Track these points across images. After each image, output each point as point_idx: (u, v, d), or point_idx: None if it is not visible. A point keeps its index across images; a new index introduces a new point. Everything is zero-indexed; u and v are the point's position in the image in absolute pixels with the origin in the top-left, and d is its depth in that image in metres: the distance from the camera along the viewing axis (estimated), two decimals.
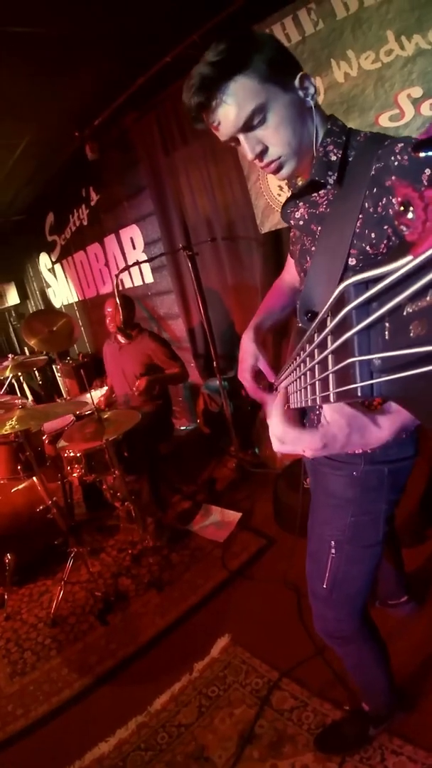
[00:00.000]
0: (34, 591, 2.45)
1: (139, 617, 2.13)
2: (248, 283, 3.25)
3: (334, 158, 0.84)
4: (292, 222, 0.97)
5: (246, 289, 3.29)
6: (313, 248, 0.93)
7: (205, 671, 1.78)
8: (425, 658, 1.58)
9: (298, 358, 0.52)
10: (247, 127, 0.83)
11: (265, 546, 2.42)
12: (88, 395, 3.63)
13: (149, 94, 2.93)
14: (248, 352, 1.17)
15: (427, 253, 0.20)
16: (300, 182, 0.97)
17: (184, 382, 3.20)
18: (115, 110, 3.06)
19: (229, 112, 0.82)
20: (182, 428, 4.15)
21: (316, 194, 0.90)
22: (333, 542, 1.08)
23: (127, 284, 4.27)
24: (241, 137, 0.85)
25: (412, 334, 0.23)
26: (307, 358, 0.44)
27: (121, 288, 4.32)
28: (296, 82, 0.84)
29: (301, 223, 0.94)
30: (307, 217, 0.93)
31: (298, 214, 0.95)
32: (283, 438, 0.58)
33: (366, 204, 0.77)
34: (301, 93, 0.85)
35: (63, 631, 2.12)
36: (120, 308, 2.78)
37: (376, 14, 1.86)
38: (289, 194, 0.98)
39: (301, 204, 0.93)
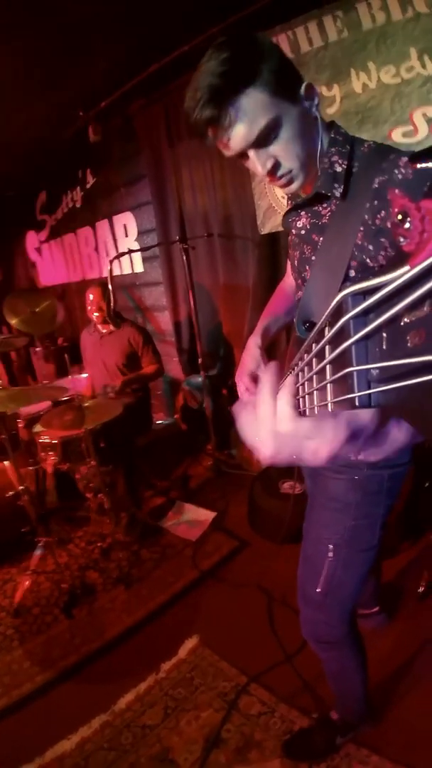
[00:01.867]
0: None
1: (105, 613, 2.08)
2: (240, 283, 3.23)
3: (339, 169, 0.83)
4: (293, 231, 0.96)
5: (237, 289, 3.28)
6: (313, 257, 0.92)
7: (172, 672, 1.75)
8: (392, 670, 1.61)
9: (296, 367, 0.51)
10: (259, 142, 0.80)
11: (238, 548, 2.41)
12: (70, 381, 3.56)
13: (160, 82, 2.88)
14: (253, 356, 1.16)
15: (424, 264, 0.21)
16: (302, 194, 0.94)
17: (160, 377, 3.16)
18: (124, 94, 2.99)
19: (240, 128, 0.78)
20: (159, 422, 4.10)
21: (319, 205, 0.89)
22: (331, 545, 1.08)
23: (116, 272, 4.18)
24: (251, 153, 0.82)
25: (409, 344, 0.24)
26: (305, 368, 0.44)
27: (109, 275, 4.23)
28: (302, 92, 0.82)
29: (302, 232, 0.94)
30: (309, 227, 0.92)
31: (300, 224, 0.94)
32: (294, 431, 0.45)
33: (366, 216, 0.77)
34: (306, 103, 0.83)
35: (26, 622, 2.05)
36: (105, 296, 2.73)
37: (402, 30, 1.88)
38: (288, 202, 0.97)
39: (303, 213, 0.93)
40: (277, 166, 0.83)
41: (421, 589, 1.84)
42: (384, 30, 1.93)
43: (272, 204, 2.68)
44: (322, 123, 0.86)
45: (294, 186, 0.87)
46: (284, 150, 0.81)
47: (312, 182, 0.89)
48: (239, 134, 0.79)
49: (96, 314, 2.84)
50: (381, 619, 1.76)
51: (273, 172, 0.84)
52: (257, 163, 0.83)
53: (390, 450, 0.48)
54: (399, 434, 0.48)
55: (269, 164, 0.83)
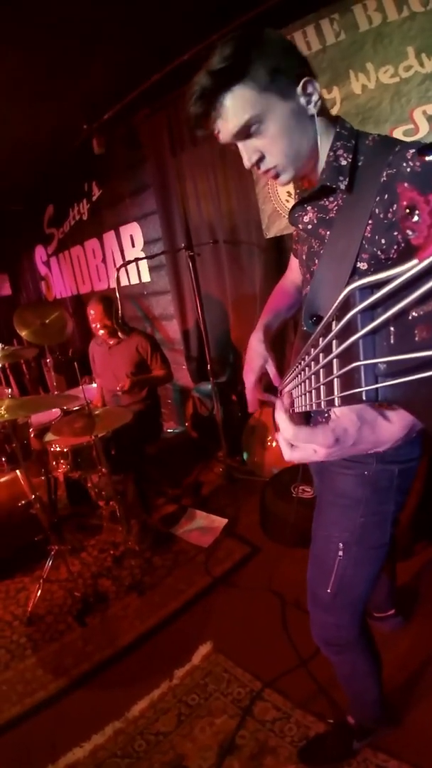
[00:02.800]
0: (11, 587, 2.37)
1: (118, 620, 2.07)
2: (247, 288, 3.25)
3: (344, 163, 0.84)
4: (300, 226, 0.96)
5: (244, 295, 3.29)
6: (322, 251, 0.92)
7: (185, 678, 1.73)
8: (410, 673, 1.57)
9: (302, 361, 0.52)
10: (243, 136, 0.84)
11: (250, 554, 2.39)
12: (80, 390, 3.59)
13: (162, 92, 2.93)
14: (257, 352, 1.15)
15: None
16: (305, 187, 0.96)
17: (169, 383, 3.16)
18: (126, 105, 3.04)
19: (224, 122, 0.83)
20: (169, 431, 4.11)
21: (325, 199, 0.89)
22: (341, 544, 1.07)
23: (123, 282, 4.23)
24: (239, 145, 0.86)
25: (417, 339, 0.23)
26: (312, 362, 0.44)
27: (117, 286, 4.28)
28: (299, 89, 0.83)
29: (309, 227, 0.93)
30: (316, 222, 0.92)
31: (306, 218, 0.94)
32: (295, 438, 0.55)
33: (377, 210, 0.77)
34: (303, 100, 0.83)
35: (39, 630, 2.05)
36: (107, 310, 2.76)
37: (399, 30, 1.89)
38: (295, 197, 0.98)
39: (309, 208, 0.93)
40: (261, 159, 0.86)
41: None
42: (380, 30, 1.94)
43: (276, 208, 2.69)
44: (324, 118, 0.86)
45: (282, 179, 0.89)
46: (269, 145, 0.84)
47: (313, 175, 0.90)
48: (225, 127, 0.84)
49: (102, 331, 2.86)
50: (397, 622, 1.72)
51: (258, 164, 0.87)
52: (244, 155, 0.87)
53: (388, 444, 0.55)
54: (391, 428, 0.54)
55: (254, 157, 0.86)
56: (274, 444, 3.10)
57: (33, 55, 2.36)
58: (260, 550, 2.40)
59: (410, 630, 1.72)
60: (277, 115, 0.82)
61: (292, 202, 2.56)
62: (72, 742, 1.53)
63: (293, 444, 0.56)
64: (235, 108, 0.81)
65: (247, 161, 0.87)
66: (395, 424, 0.54)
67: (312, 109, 0.84)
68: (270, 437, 3.11)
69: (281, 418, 0.56)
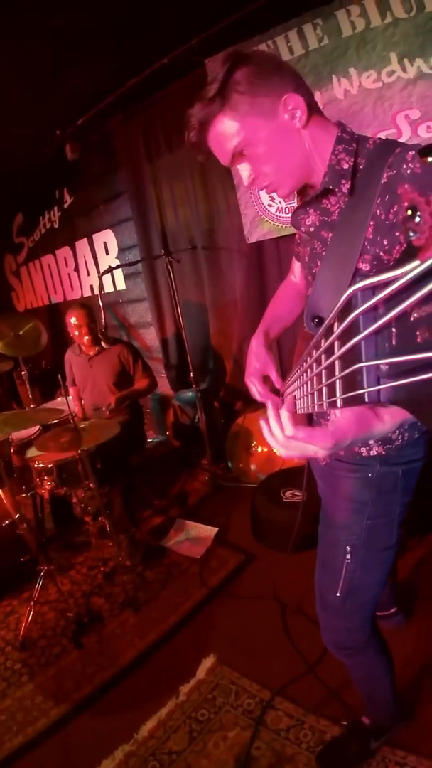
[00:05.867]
0: None
1: (116, 639, 2.01)
2: (227, 294, 3.26)
3: (346, 166, 0.85)
4: (302, 228, 0.97)
5: (224, 301, 3.30)
6: (324, 253, 0.93)
7: (192, 694, 1.70)
8: (417, 668, 1.60)
9: (305, 363, 0.52)
10: (236, 160, 0.89)
11: (245, 561, 2.38)
12: (58, 402, 3.48)
13: (139, 96, 2.90)
14: (258, 356, 1.16)
15: None
16: (308, 191, 0.98)
17: (153, 392, 3.13)
18: (101, 111, 3.00)
19: (216, 150, 0.90)
20: (150, 440, 4.05)
21: (327, 201, 0.90)
22: (348, 547, 1.07)
23: (97, 290, 4.16)
24: (237, 167, 0.91)
25: (419, 340, 0.23)
26: (314, 364, 0.45)
27: (91, 294, 4.20)
28: (281, 107, 0.84)
29: (312, 229, 0.94)
30: (318, 224, 0.93)
31: (308, 221, 0.94)
32: (294, 437, 0.59)
33: (378, 211, 0.79)
34: (286, 116, 0.85)
35: (33, 655, 1.96)
36: (90, 316, 2.70)
37: (382, 35, 1.94)
38: (296, 202, 1.00)
39: (311, 211, 0.93)
40: (257, 179, 0.91)
41: None
42: (364, 36, 1.99)
43: (259, 213, 2.71)
44: (319, 126, 0.88)
45: (280, 194, 0.93)
46: (260, 166, 0.88)
47: (313, 180, 0.91)
48: (218, 155, 0.91)
49: (86, 337, 2.79)
50: (399, 619, 1.75)
51: (254, 183, 0.92)
52: (242, 176, 0.92)
53: (378, 436, 0.60)
54: (384, 427, 0.60)
55: (250, 178, 0.91)
56: (259, 450, 3.12)
57: (6, 61, 2.29)
58: (255, 557, 2.40)
59: (413, 626, 1.76)
60: (262, 138, 0.85)
61: (275, 207, 2.63)
62: None
63: (289, 443, 0.61)
64: (221, 137, 0.86)
65: (245, 180, 0.92)
66: (387, 423, 0.60)
67: (296, 124, 0.86)
68: (254, 443, 3.13)
69: (284, 416, 0.59)
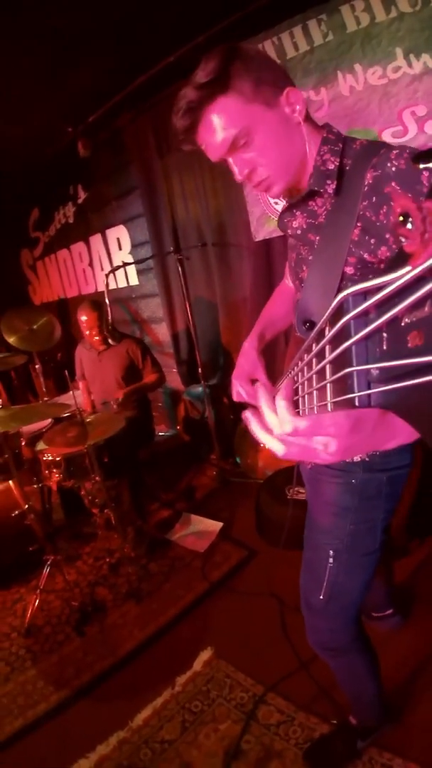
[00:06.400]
0: (8, 599, 2.35)
1: (117, 629, 2.07)
2: (236, 291, 3.25)
3: (331, 167, 0.84)
4: (289, 231, 0.96)
5: (234, 298, 3.30)
6: (310, 257, 0.92)
7: (187, 685, 1.74)
8: (410, 671, 1.60)
9: (296, 367, 0.52)
10: (233, 150, 0.84)
11: (247, 557, 2.40)
12: (70, 396, 3.55)
13: (147, 94, 2.91)
14: (248, 358, 1.16)
15: (425, 264, 0.21)
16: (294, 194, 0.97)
17: (161, 386, 3.15)
18: (111, 108, 3.02)
19: (212, 136, 0.83)
20: (160, 434, 4.10)
21: (313, 203, 0.90)
22: (331, 551, 1.08)
23: (111, 285, 4.21)
24: (230, 160, 0.86)
25: (409, 345, 0.24)
26: (305, 368, 0.44)
27: (105, 289, 4.24)
28: (283, 99, 0.83)
29: (298, 232, 0.94)
30: (305, 227, 0.92)
31: (295, 224, 0.94)
32: (294, 431, 0.45)
33: (367, 213, 0.78)
34: (287, 109, 0.84)
35: (38, 642, 2.04)
36: (100, 315, 2.74)
37: (387, 31, 1.90)
38: (285, 203, 0.99)
39: (298, 213, 0.93)
40: (253, 172, 0.87)
41: None
42: (368, 31, 1.95)
43: (265, 211, 2.70)
44: (309, 125, 0.87)
45: (274, 191, 0.90)
46: (259, 156, 0.84)
47: (304, 183, 0.90)
48: (213, 143, 0.84)
49: (96, 338, 2.83)
50: (396, 621, 1.75)
51: (249, 177, 0.88)
52: (235, 170, 0.87)
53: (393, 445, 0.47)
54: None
55: (245, 171, 0.87)
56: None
57: (19, 59, 2.33)
58: (257, 554, 2.41)
59: (409, 629, 1.75)
60: (265, 126, 0.82)
61: (280, 205, 2.60)
62: (77, 754, 1.52)
63: (287, 437, 0.47)
64: (222, 122, 0.81)
65: (239, 175, 0.88)
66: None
67: (297, 117, 0.85)
68: None
69: (280, 405, 0.46)
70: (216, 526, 2.69)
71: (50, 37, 2.24)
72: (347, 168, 0.84)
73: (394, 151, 0.75)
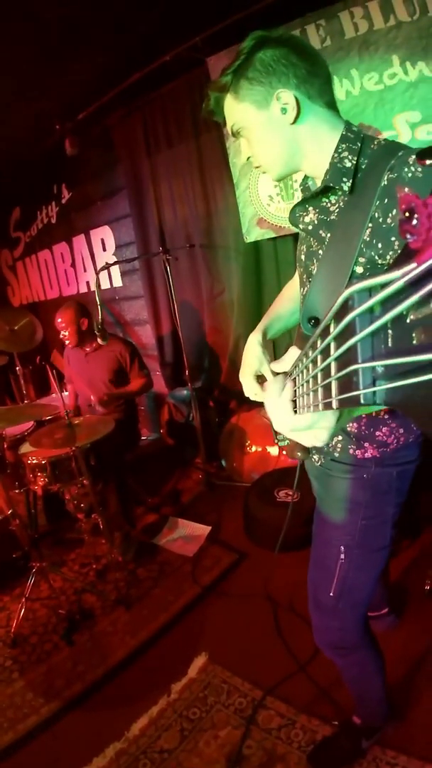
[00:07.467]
0: None
1: (107, 636, 2.01)
2: (224, 293, 3.25)
3: (349, 165, 0.85)
4: (300, 226, 0.97)
5: (221, 300, 3.30)
6: (320, 252, 0.93)
7: (183, 692, 1.70)
8: (408, 669, 1.61)
9: (300, 364, 0.52)
10: (236, 135, 0.96)
11: (237, 560, 2.39)
12: (52, 399, 3.46)
13: (139, 92, 2.88)
14: (254, 354, 1.14)
15: (431, 261, 0.21)
16: (310, 183, 1.01)
17: (148, 391, 3.11)
18: (101, 106, 2.98)
19: (225, 123, 0.96)
20: (144, 438, 4.05)
21: (326, 200, 0.91)
22: (342, 547, 1.08)
23: (93, 286, 4.15)
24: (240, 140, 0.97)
25: (415, 342, 0.24)
26: (310, 365, 0.45)
27: (87, 290, 4.18)
28: (274, 100, 0.86)
29: (310, 227, 0.94)
30: (316, 223, 0.93)
31: (307, 219, 0.94)
32: (296, 425, 0.56)
33: (376, 214, 0.78)
34: (278, 110, 0.86)
35: (24, 652, 1.95)
36: (77, 316, 2.69)
37: (384, 38, 1.95)
38: (296, 198, 1.00)
39: (311, 208, 0.94)
40: (252, 156, 0.97)
41: (427, 587, 1.86)
42: (366, 38, 2.00)
43: (258, 213, 2.71)
44: (321, 122, 0.88)
45: (270, 176, 0.98)
46: (251, 149, 0.95)
47: (316, 176, 0.93)
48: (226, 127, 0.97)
49: (68, 341, 2.76)
50: (391, 620, 1.76)
51: (252, 160, 0.98)
52: (242, 149, 0.98)
53: None
54: None
55: (247, 153, 0.97)
56: (253, 449, 3.12)
57: (10, 53, 2.27)
58: (247, 556, 2.40)
59: (403, 627, 1.77)
60: (252, 126, 0.90)
61: (273, 206, 2.64)
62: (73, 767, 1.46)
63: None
64: (226, 113, 0.93)
65: (244, 155, 0.99)
66: None
67: (287, 119, 0.87)
68: (249, 442, 3.13)
69: (282, 401, 0.55)
70: (204, 530, 2.67)
71: (42, 31, 2.19)
72: (363, 167, 0.84)
73: (413, 156, 0.75)
